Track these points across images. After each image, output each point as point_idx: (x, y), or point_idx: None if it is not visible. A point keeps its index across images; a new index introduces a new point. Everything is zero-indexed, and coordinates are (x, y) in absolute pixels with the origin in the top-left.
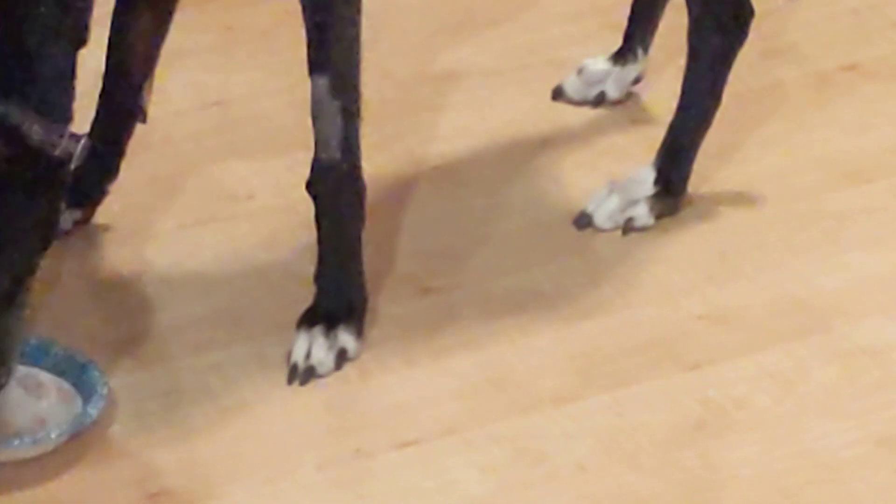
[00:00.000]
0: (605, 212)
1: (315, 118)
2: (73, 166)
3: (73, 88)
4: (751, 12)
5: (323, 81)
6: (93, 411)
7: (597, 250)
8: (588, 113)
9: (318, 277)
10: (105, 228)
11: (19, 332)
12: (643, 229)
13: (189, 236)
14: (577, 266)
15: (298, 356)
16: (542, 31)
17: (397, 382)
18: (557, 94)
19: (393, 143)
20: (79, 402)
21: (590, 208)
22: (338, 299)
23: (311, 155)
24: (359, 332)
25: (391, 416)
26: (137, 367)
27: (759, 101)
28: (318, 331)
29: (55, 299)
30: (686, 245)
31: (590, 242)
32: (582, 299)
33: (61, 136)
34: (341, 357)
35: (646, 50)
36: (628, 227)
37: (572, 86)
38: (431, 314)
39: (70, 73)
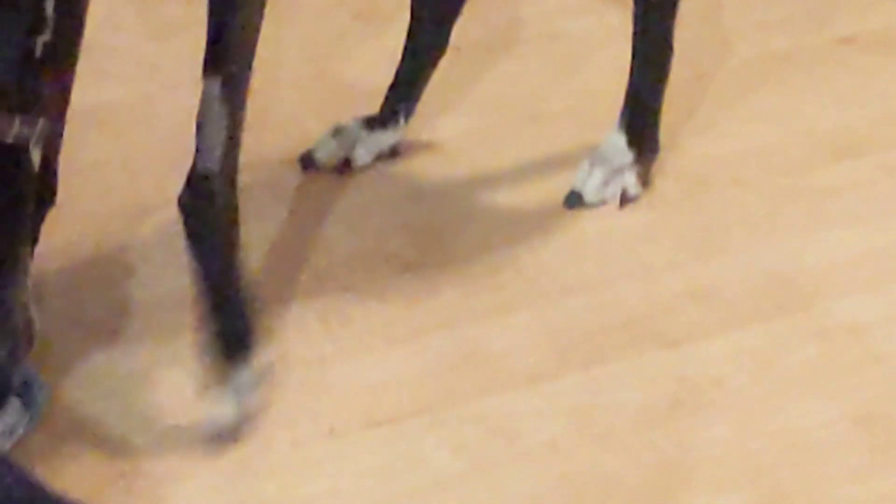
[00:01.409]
0: (592, 187)
1: (200, 124)
2: (33, 148)
3: (33, 73)
4: None
5: (215, 83)
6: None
7: (581, 227)
8: (582, 87)
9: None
10: (91, 204)
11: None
12: (637, 198)
13: (175, 213)
14: (561, 243)
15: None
16: (537, 4)
17: (374, 361)
18: (306, 160)
19: None
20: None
21: (577, 186)
22: (224, 331)
23: (304, 132)
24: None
25: (365, 395)
26: (114, 345)
27: (751, 74)
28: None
29: (37, 275)
30: (671, 221)
31: (575, 219)
32: (564, 276)
33: (11, 124)
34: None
35: (407, 117)
36: (624, 199)
37: (324, 148)
38: (412, 291)
39: (26, 58)
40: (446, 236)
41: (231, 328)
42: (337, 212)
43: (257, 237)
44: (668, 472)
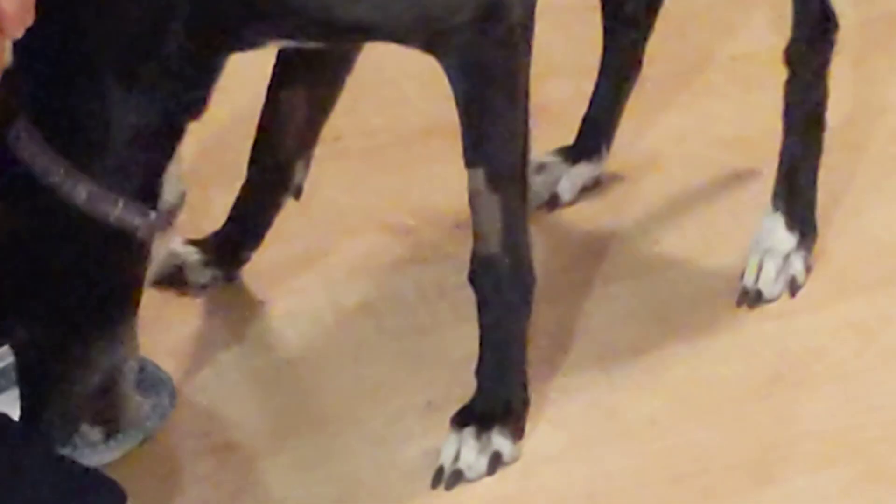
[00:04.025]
0: (768, 280)
1: (472, 210)
2: (141, 239)
3: (159, 158)
4: (835, 25)
5: (479, 174)
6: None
7: (684, 195)
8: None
9: (478, 372)
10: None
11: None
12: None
13: None
14: (665, 212)
15: (447, 458)
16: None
17: (471, 332)
18: None
19: None
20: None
21: (750, 284)
22: (495, 398)
23: (405, 95)
24: (515, 434)
25: (463, 368)
26: (209, 316)
27: (861, 36)
28: (468, 432)
29: None
30: None
31: (678, 189)
32: (665, 245)
33: (114, 205)
34: (495, 461)
35: (609, 146)
36: (794, 288)
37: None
38: None
39: (154, 140)
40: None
41: (505, 393)
42: (432, 176)
43: (359, 208)
44: (768, 447)
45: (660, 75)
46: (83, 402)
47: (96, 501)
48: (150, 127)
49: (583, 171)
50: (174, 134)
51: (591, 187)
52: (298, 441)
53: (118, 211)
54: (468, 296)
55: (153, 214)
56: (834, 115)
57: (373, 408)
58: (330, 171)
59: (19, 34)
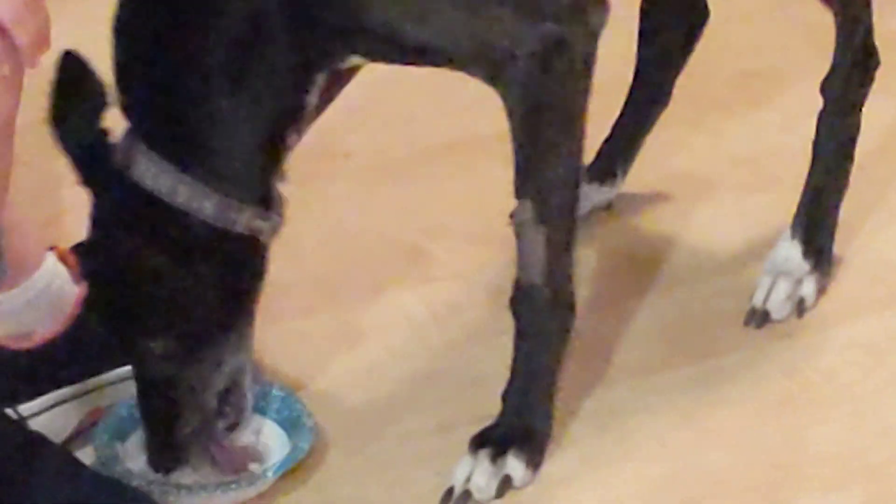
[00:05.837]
0: (777, 302)
1: (517, 239)
2: (265, 241)
3: (271, 163)
4: (877, 62)
5: (527, 205)
6: (304, 445)
7: (693, 214)
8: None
9: (505, 395)
10: None
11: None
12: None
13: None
14: (674, 230)
15: (458, 479)
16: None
17: (482, 353)
18: None
19: None
20: (282, 435)
21: (758, 303)
22: (518, 424)
23: (415, 112)
24: (531, 462)
25: (474, 389)
26: None
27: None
28: (484, 454)
29: None
30: (786, 206)
31: (686, 207)
32: (674, 264)
33: (240, 212)
34: (505, 484)
35: (625, 173)
36: (802, 310)
37: None
38: None
39: (264, 146)
40: None
41: (528, 419)
42: (443, 193)
43: (371, 226)
44: (777, 469)
45: None
46: (212, 410)
47: None
48: (259, 134)
49: (595, 193)
50: (280, 140)
51: (602, 209)
52: (308, 461)
53: (245, 218)
54: (480, 315)
55: (275, 216)
56: None
57: (383, 428)
58: (340, 189)
59: (36, 65)
